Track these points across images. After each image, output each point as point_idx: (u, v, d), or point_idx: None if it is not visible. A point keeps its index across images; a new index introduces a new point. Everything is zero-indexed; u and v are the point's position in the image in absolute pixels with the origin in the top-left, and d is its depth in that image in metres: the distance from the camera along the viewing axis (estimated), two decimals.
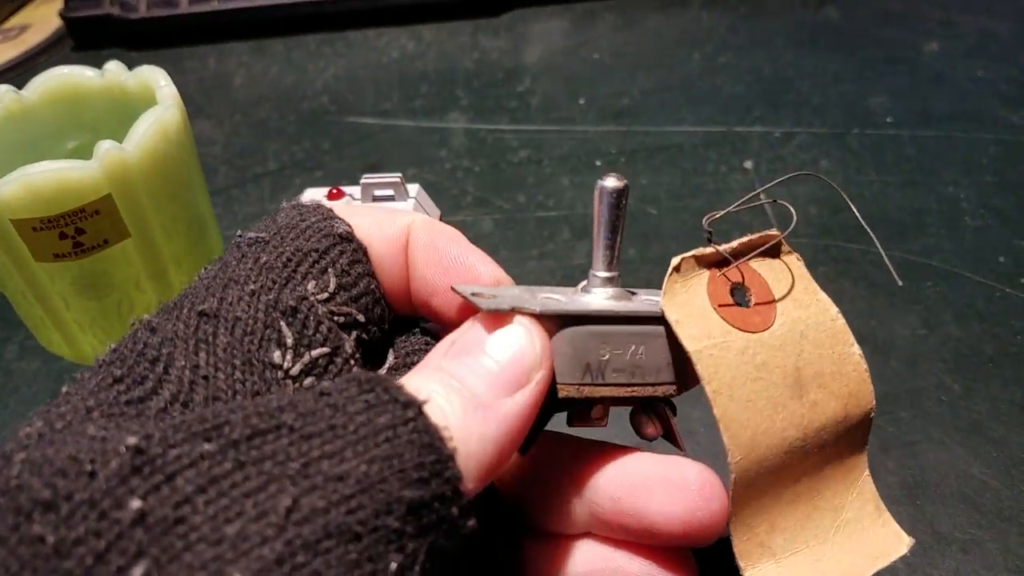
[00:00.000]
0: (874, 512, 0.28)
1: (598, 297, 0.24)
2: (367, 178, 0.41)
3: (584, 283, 0.25)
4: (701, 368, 0.23)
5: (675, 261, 0.25)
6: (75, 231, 0.32)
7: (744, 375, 0.23)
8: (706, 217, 0.26)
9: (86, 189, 0.32)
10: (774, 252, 0.28)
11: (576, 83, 0.69)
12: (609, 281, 0.24)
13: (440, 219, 0.45)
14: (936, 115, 0.62)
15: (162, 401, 0.19)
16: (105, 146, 0.32)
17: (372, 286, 0.24)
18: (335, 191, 0.41)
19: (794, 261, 0.28)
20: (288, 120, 0.66)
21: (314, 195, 0.42)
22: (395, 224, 0.25)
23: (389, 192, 0.42)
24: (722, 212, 0.27)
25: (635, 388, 0.24)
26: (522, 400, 0.21)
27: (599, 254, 0.24)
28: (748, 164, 0.58)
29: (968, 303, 0.46)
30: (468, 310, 0.24)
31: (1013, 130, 0.59)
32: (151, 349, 0.20)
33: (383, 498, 0.17)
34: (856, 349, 0.27)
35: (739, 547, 0.24)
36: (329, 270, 0.23)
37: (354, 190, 0.42)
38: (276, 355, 0.21)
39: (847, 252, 0.50)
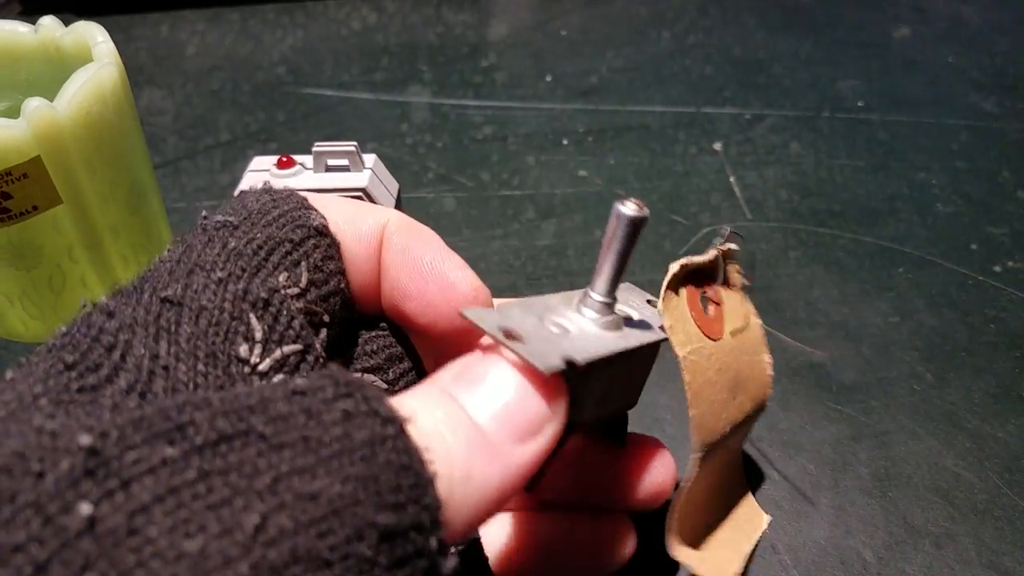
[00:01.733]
0: (744, 491, 0.31)
1: (599, 322, 0.22)
2: (319, 146, 0.39)
3: (575, 296, 0.23)
4: (686, 373, 0.24)
5: (675, 267, 0.25)
6: (1, 196, 0.30)
7: (709, 379, 0.25)
8: (721, 230, 0.26)
9: (12, 150, 0.29)
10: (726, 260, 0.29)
11: (543, 60, 0.67)
12: (607, 307, 0.22)
13: (399, 193, 0.43)
14: (907, 100, 0.61)
15: (117, 391, 0.17)
16: (34, 104, 0.29)
17: (342, 285, 0.23)
18: (284, 159, 0.39)
19: (733, 270, 0.29)
20: (242, 91, 0.64)
21: (262, 163, 0.40)
22: (370, 221, 0.23)
23: (344, 162, 0.39)
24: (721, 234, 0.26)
25: (619, 407, 0.23)
26: (535, 449, 0.19)
27: (604, 279, 0.22)
28: (718, 146, 0.57)
29: (941, 290, 0.45)
30: (446, 323, 0.23)
31: (984, 116, 0.59)
32: (107, 335, 0.18)
33: (356, 523, 0.15)
34: (767, 357, 0.29)
35: (673, 535, 0.24)
36: (302, 264, 0.21)
37: (305, 159, 0.40)
38: (243, 349, 0.19)
39: (818, 237, 0.49)
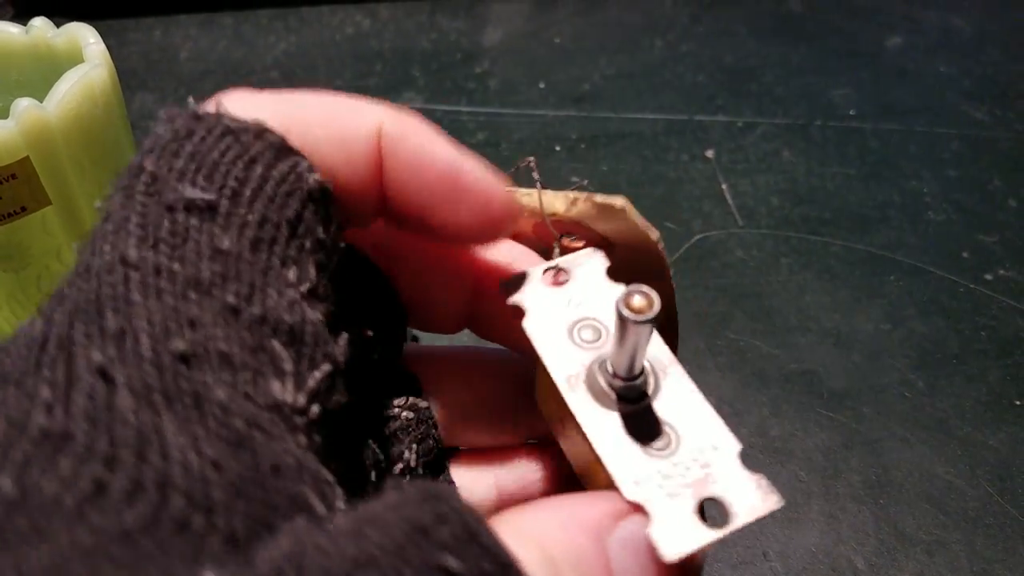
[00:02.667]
0: None
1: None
2: None
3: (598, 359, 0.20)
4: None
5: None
6: None
7: None
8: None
9: (0, 151, 0.29)
10: None
11: (536, 67, 0.67)
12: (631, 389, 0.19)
13: None
14: (899, 109, 0.61)
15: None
16: (23, 104, 0.29)
17: (341, 243, 0.19)
18: None
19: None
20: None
21: None
22: (360, 130, 0.18)
23: None
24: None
25: None
26: None
27: (621, 366, 0.19)
28: (710, 153, 0.57)
29: (932, 298, 0.45)
30: (478, 239, 0.20)
31: (975, 125, 0.59)
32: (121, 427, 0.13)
33: None
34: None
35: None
36: (306, 247, 0.17)
37: None
38: (276, 388, 0.15)
39: (809, 244, 0.49)
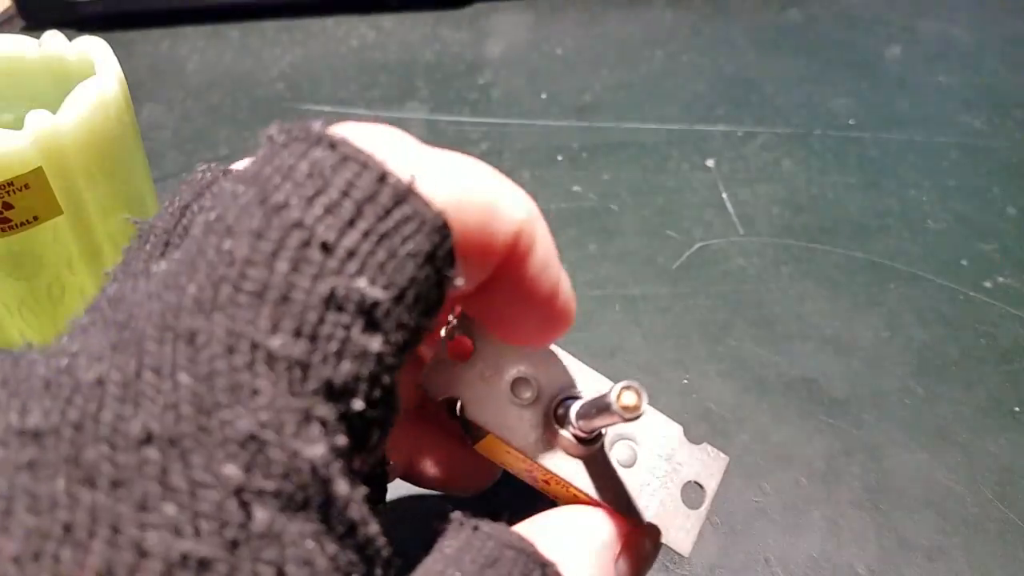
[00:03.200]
0: None
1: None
2: None
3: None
4: None
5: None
6: (2, 206, 0.30)
7: None
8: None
9: (14, 161, 0.29)
10: None
11: (538, 77, 0.67)
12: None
13: None
14: (898, 118, 0.61)
15: None
16: (36, 116, 0.30)
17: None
18: None
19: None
20: (241, 106, 0.64)
21: None
22: (503, 236, 0.17)
23: None
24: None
25: None
26: None
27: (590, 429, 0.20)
28: (710, 162, 0.57)
29: (931, 306, 0.45)
30: (528, 341, 0.20)
31: (974, 134, 0.59)
32: None
33: None
34: None
35: None
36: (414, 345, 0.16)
37: None
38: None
39: (809, 252, 0.49)
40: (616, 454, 0.21)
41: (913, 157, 0.57)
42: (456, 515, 0.18)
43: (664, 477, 0.20)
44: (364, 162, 0.15)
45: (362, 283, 0.14)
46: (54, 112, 0.30)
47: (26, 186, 0.30)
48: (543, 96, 0.65)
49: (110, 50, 0.34)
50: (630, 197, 0.54)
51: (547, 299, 0.18)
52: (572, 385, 0.21)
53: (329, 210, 0.14)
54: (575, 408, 0.20)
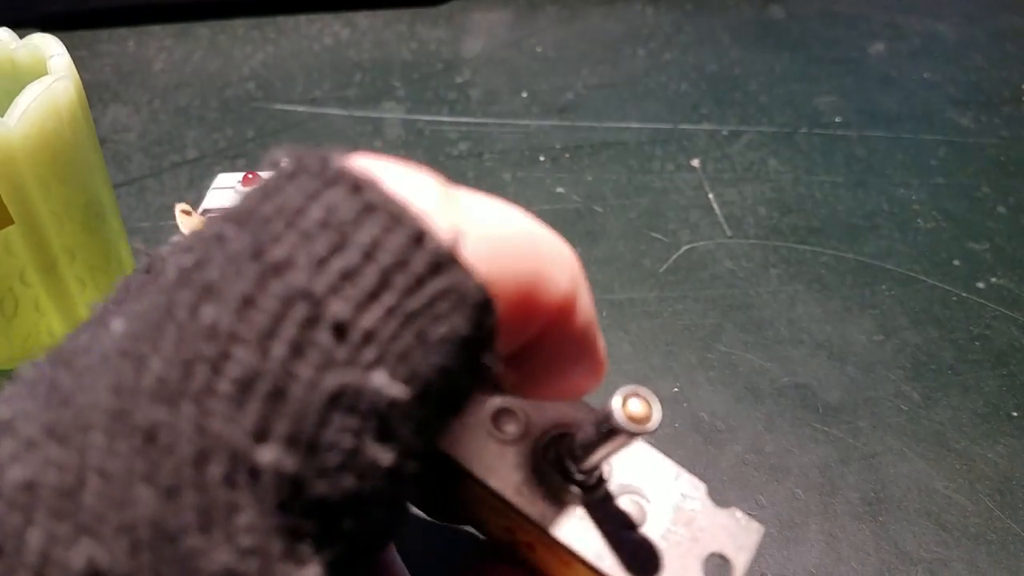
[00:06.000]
0: None
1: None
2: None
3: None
4: None
5: None
6: None
7: None
8: None
9: None
10: None
11: (518, 76, 0.66)
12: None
13: None
14: (884, 116, 0.60)
15: None
16: None
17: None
18: (250, 175, 0.37)
19: None
20: (210, 107, 0.62)
21: (227, 180, 0.38)
22: (553, 302, 0.14)
23: None
24: None
25: None
26: None
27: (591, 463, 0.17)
28: (695, 162, 0.56)
29: (925, 308, 0.44)
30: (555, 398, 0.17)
31: (961, 132, 0.58)
32: None
33: None
34: None
35: None
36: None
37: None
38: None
39: (798, 254, 0.48)
40: (618, 512, 0.17)
41: (901, 155, 0.56)
42: None
43: (682, 545, 0.16)
44: (397, 215, 0.12)
45: (380, 379, 0.11)
46: (2, 115, 0.28)
47: None
48: (523, 95, 0.63)
49: (63, 47, 0.32)
50: (614, 198, 0.52)
51: (584, 359, 0.16)
52: (567, 423, 0.17)
53: (346, 277, 0.11)
54: (569, 442, 0.17)
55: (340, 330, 0.11)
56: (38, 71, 0.32)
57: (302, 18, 0.74)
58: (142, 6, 0.73)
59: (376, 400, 0.11)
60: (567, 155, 0.56)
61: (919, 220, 0.51)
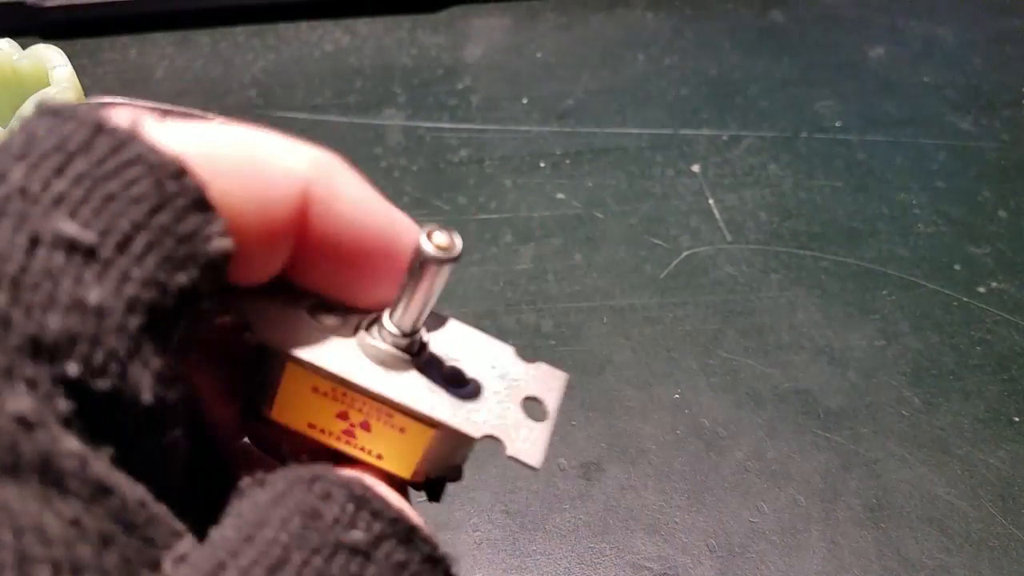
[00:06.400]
0: None
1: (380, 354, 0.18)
2: None
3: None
4: None
5: None
6: None
7: None
8: None
9: None
10: None
11: (518, 82, 0.66)
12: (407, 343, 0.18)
13: None
14: (884, 120, 0.60)
15: None
16: None
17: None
18: None
19: None
20: (212, 114, 0.62)
21: None
22: (285, 191, 0.15)
23: None
24: None
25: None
26: None
27: (409, 319, 0.18)
28: (696, 167, 0.56)
29: (925, 313, 0.44)
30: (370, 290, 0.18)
31: (961, 136, 0.58)
32: None
33: None
34: None
35: None
36: (182, 317, 0.14)
37: None
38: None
39: (799, 259, 0.48)
40: (443, 373, 0.18)
41: (901, 159, 0.56)
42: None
43: (500, 393, 0.19)
44: (80, 119, 0.14)
45: (70, 226, 0.13)
46: (3, 127, 0.28)
47: None
48: (524, 101, 0.63)
49: (65, 58, 0.32)
50: (615, 204, 0.52)
51: (375, 250, 0.17)
52: (388, 307, 0.18)
53: (37, 163, 0.13)
54: (386, 312, 0.17)
55: (31, 196, 0.13)
56: (40, 82, 0.32)
57: (303, 25, 0.74)
58: (143, 14, 0.74)
59: (71, 246, 0.13)
60: (567, 161, 0.56)
61: (920, 224, 0.51)
